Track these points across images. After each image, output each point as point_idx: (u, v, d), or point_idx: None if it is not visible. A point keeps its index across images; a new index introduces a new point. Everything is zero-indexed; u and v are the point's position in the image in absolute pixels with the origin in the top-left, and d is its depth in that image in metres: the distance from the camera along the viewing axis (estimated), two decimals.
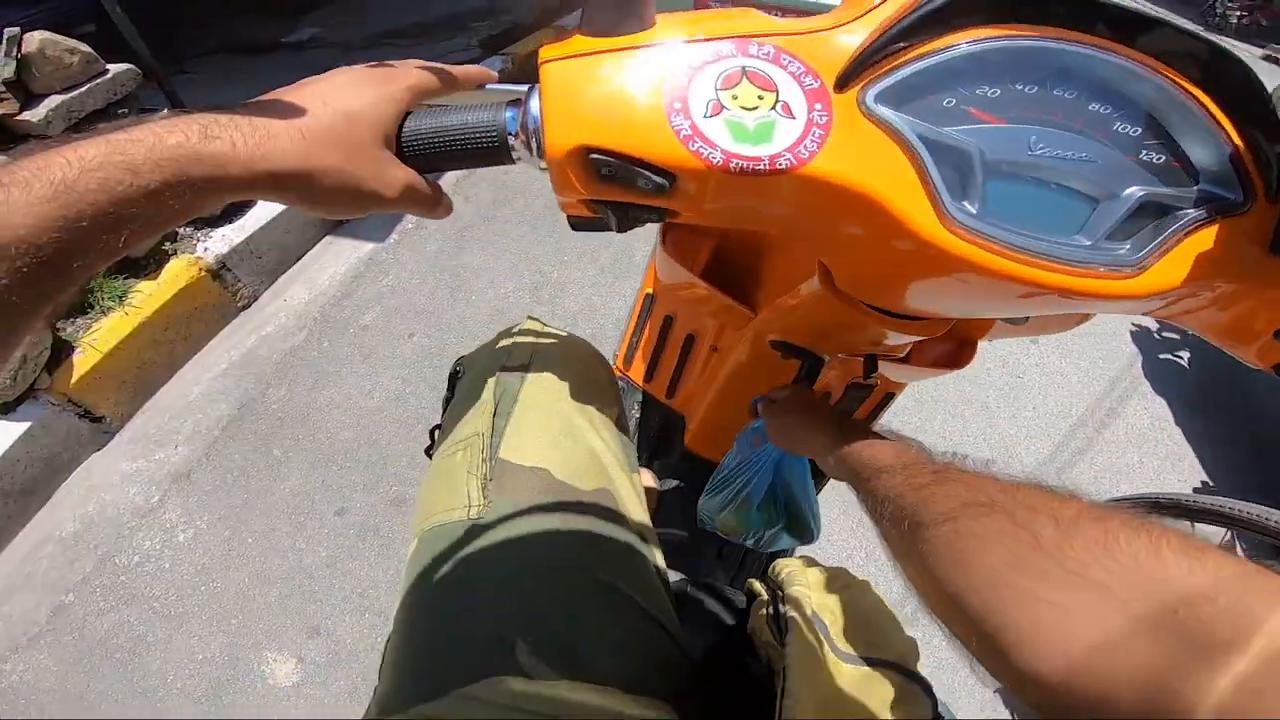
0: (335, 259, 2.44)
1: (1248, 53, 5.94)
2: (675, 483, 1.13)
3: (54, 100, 1.88)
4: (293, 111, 0.41)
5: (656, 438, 1.20)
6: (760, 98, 0.43)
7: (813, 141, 0.43)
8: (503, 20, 4.21)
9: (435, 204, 0.50)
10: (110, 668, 1.54)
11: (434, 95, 0.48)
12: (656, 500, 1.12)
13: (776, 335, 0.75)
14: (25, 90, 1.84)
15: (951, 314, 0.63)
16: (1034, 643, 0.30)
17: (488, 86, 0.52)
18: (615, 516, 0.64)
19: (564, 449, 0.64)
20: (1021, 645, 0.31)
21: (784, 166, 0.42)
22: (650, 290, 1.07)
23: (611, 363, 1.19)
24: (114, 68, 2.05)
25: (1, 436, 1.67)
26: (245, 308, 2.26)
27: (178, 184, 0.35)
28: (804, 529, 0.84)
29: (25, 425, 1.70)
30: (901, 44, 0.43)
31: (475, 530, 0.58)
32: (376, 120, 0.44)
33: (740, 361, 0.86)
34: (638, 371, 1.15)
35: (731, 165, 0.42)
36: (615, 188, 0.45)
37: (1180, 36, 0.43)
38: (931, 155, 0.44)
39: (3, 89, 1.77)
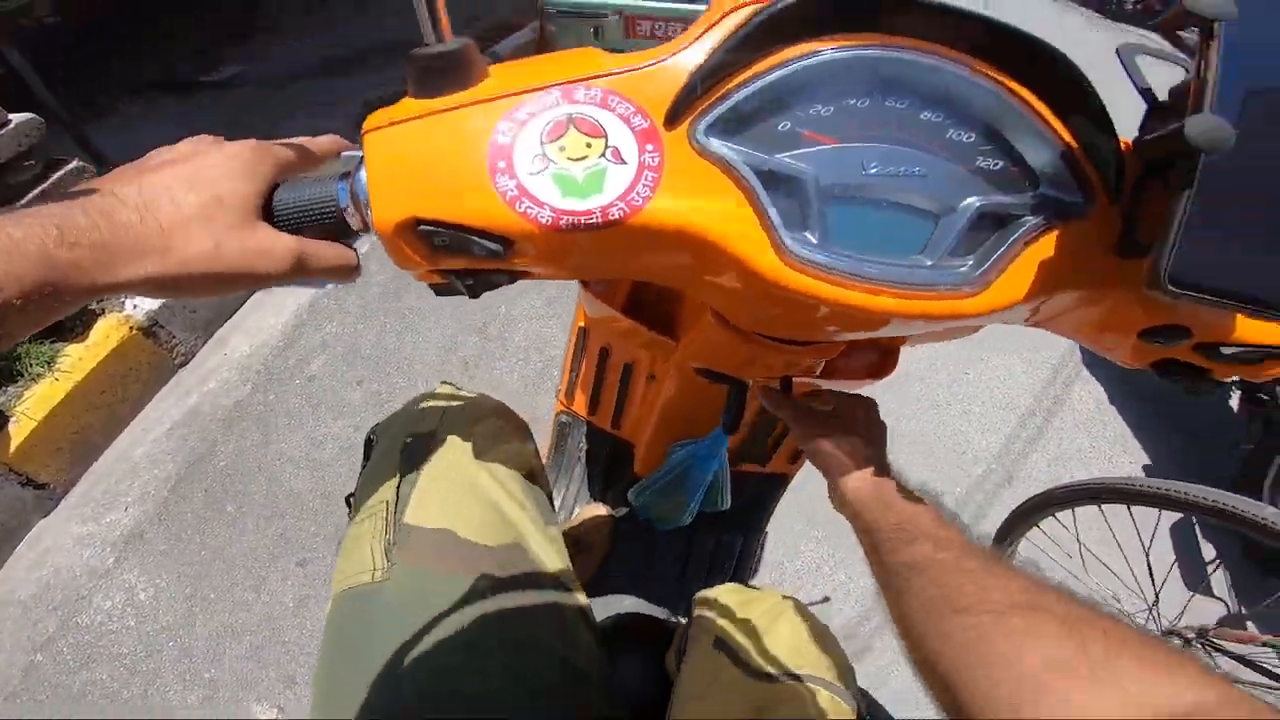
0: (275, 309, 2.48)
1: (1141, 37, 5.91)
2: (627, 509, 1.14)
3: None
4: (155, 201, 0.40)
5: (607, 467, 1.25)
6: (589, 145, 0.42)
7: (645, 186, 0.42)
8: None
9: (337, 270, 0.48)
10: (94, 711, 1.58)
11: (297, 169, 0.48)
12: (613, 528, 1.16)
13: (698, 364, 0.76)
14: None
15: (836, 338, 0.63)
16: None
17: (343, 155, 0.52)
18: (527, 569, 0.65)
19: (468, 509, 0.65)
20: None
21: (617, 216, 0.42)
22: (583, 324, 1.11)
23: (554, 398, 1.27)
24: (16, 117, 2.01)
25: None
26: (183, 364, 2.29)
27: (33, 292, 0.34)
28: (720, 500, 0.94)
29: None
30: (727, 69, 0.43)
31: (379, 594, 0.60)
32: (244, 198, 0.43)
33: (672, 391, 0.89)
34: (581, 404, 1.19)
35: (562, 223, 0.41)
36: (454, 257, 0.44)
37: (997, 31, 0.43)
38: (765, 187, 0.44)
39: None
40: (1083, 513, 1.57)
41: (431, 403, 0.76)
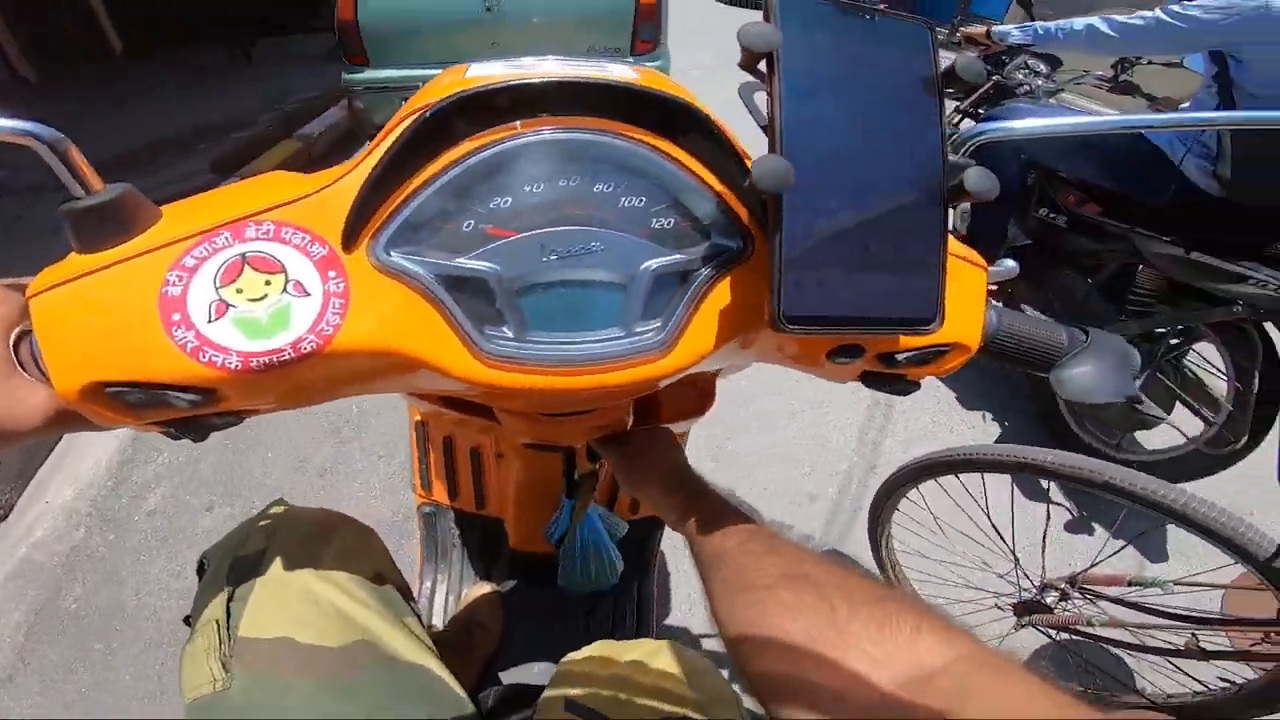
0: (95, 446, 2.31)
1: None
2: (514, 582, 1.21)
3: None
4: None
5: (482, 546, 1.29)
6: (268, 283, 0.41)
7: (334, 314, 0.41)
8: (235, 138, 4.11)
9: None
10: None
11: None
12: (503, 604, 1.19)
13: (523, 439, 0.76)
14: None
15: (610, 404, 0.66)
16: (808, 697, 0.38)
17: None
18: (378, 662, 0.66)
19: (305, 616, 0.64)
20: (795, 697, 0.38)
21: (310, 349, 0.41)
22: (419, 418, 1.13)
23: (412, 493, 1.30)
24: None
25: None
26: (1, 518, 2.09)
27: None
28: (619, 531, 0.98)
29: None
30: (394, 181, 0.43)
31: (224, 700, 0.60)
32: None
33: (517, 467, 0.91)
34: (441, 493, 1.20)
35: (253, 364, 0.40)
36: (155, 410, 0.42)
37: (631, 96, 0.44)
38: (452, 291, 0.44)
39: None
40: (936, 487, 1.62)
41: (263, 523, 0.76)
